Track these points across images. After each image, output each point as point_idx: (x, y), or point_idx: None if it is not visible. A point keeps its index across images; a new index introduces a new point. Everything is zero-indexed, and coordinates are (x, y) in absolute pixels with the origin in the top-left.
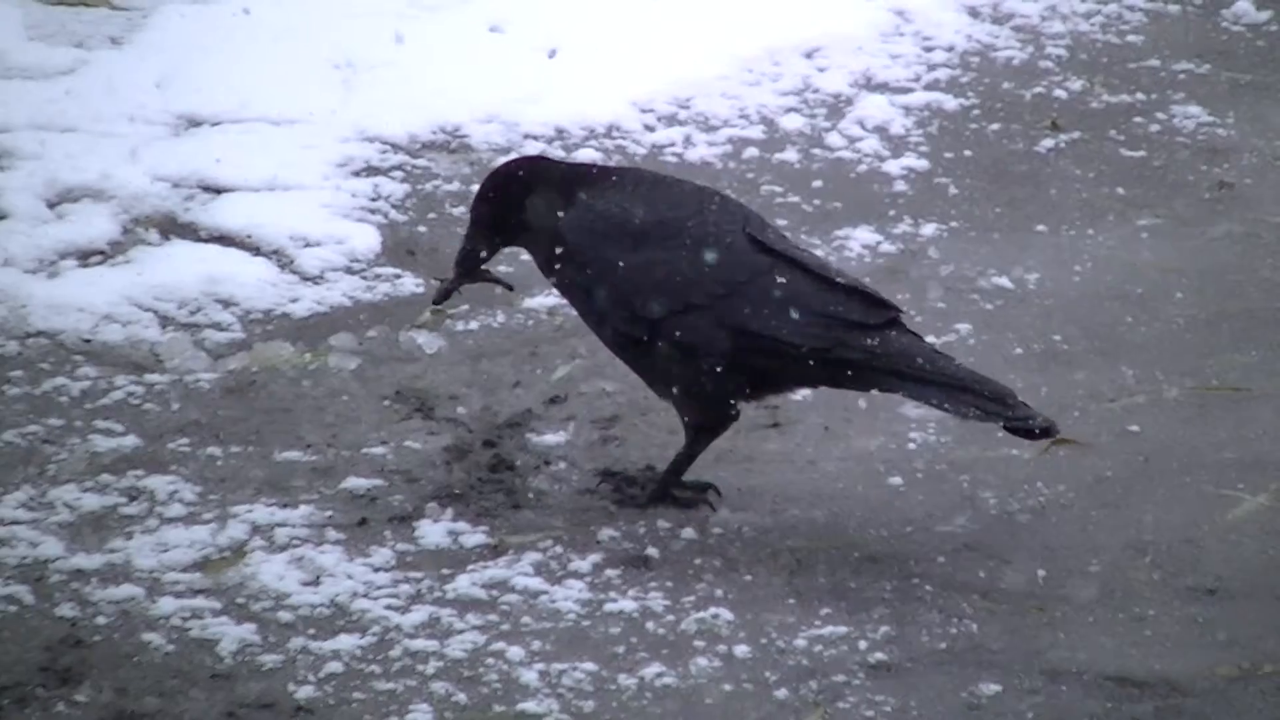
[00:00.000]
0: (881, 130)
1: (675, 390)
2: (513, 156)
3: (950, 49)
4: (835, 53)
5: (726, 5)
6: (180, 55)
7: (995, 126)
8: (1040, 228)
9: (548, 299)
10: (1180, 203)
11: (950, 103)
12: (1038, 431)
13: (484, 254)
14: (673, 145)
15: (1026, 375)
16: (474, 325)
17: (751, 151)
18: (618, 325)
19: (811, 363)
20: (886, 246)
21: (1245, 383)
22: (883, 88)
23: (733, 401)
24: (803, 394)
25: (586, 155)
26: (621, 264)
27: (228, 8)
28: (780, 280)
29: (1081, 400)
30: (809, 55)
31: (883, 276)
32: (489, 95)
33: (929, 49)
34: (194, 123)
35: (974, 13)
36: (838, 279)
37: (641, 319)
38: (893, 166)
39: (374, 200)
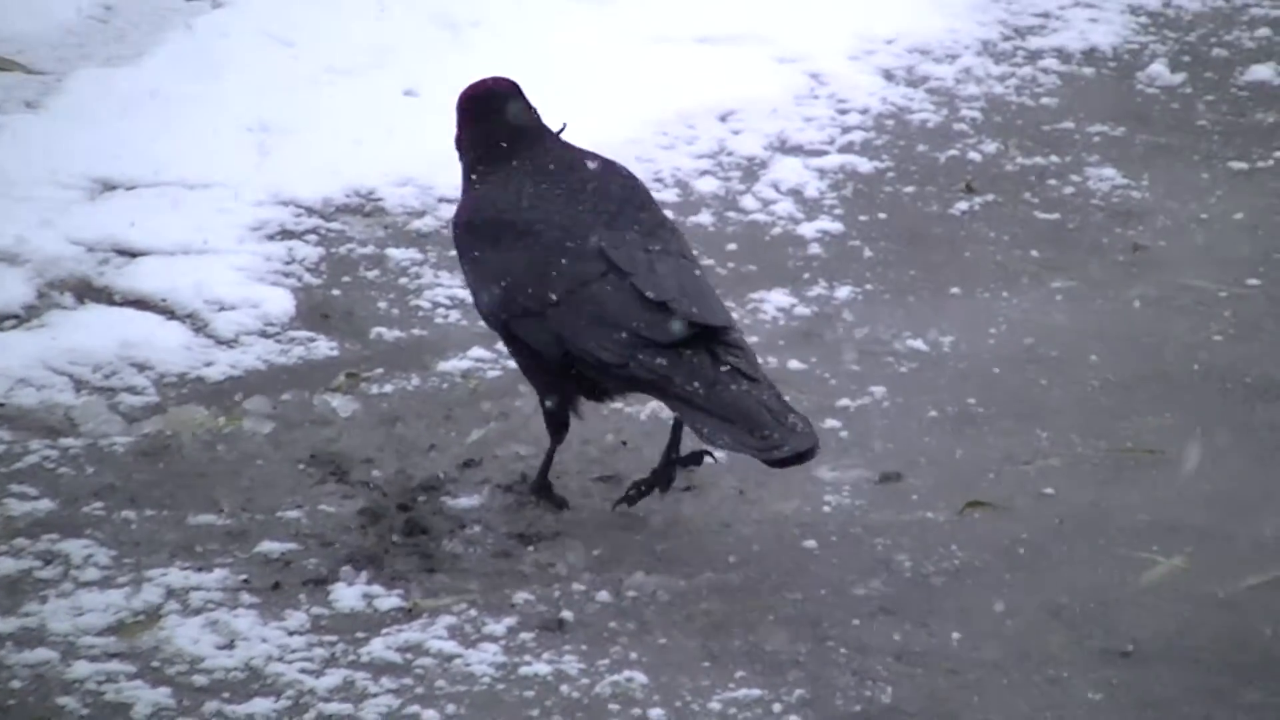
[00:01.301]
0: (796, 193)
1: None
2: (481, 81)
3: (865, 111)
4: (750, 115)
5: (639, 67)
6: (95, 119)
7: (910, 189)
8: (955, 290)
9: (461, 362)
10: (1095, 265)
11: (865, 165)
12: (786, 459)
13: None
14: None
15: (941, 439)
16: (388, 389)
17: (665, 214)
18: (482, 315)
19: (615, 377)
20: (801, 309)
21: (1160, 445)
22: (797, 150)
23: (571, 405)
24: (719, 456)
25: None
26: (480, 260)
27: (142, 72)
28: (598, 292)
29: (996, 463)
30: (723, 118)
31: (797, 340)
32: (403, 159)
33: (843, 111)
34: (109, 186)
35: (888, 75)
36: (648, 293)
37: (492, 315)
38: (807, 229)
39: (288, 264)
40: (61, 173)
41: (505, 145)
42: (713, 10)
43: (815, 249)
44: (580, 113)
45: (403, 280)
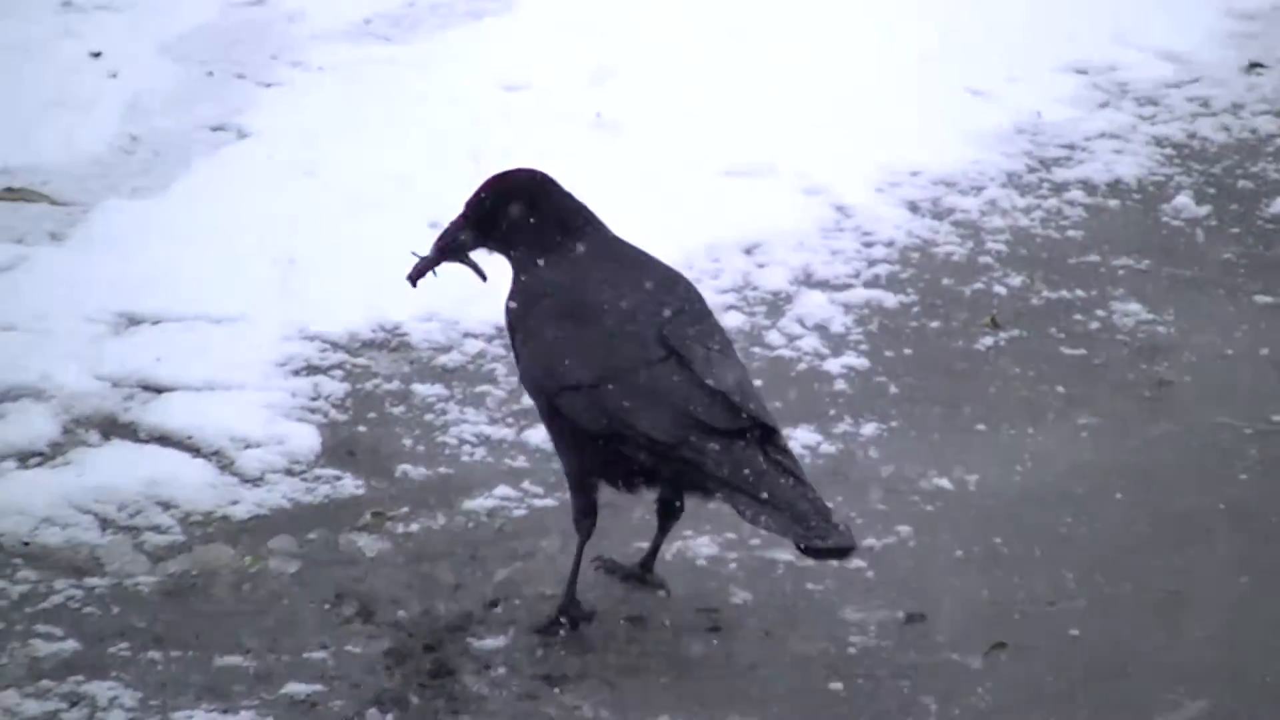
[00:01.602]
0: (821, 328)
1: (562, 466)
2: (519, 168)
3: (890, 244)
4: (775, 248)
5: (663, 199)
6: (120, 252)
7: (935, 324)
8: (980, 427)
9: (487, 501)
10: (1120, 401)
11: (890, 300)
12: (828, 550)
13: (468, 244)
14: None
15: (967, 578)
16: (414, 527)
17: None
18: (530, 390)
19: (663, 457)
20: (826, 447)
21: (1185, 585)
22: (823, 284)
23: (596, 491)
24: (741, 597)
25: None
26: (536, 334)
27: (168, 204)
28: (658, 373)
29: (1022, 604)
30: (749, 251)
31: (823, 477)
32: (428, 293)
33: (869, 244)
34: (134, 321)
35: (914, 208)
36: (708, 381)
37: (540, 389)
38: (833, 365)
39: (314, 400)
40: (86, 306)
41: (563, 230)
42: (738, 142)
43: (841, 385)
44: None
45: (428, 417)
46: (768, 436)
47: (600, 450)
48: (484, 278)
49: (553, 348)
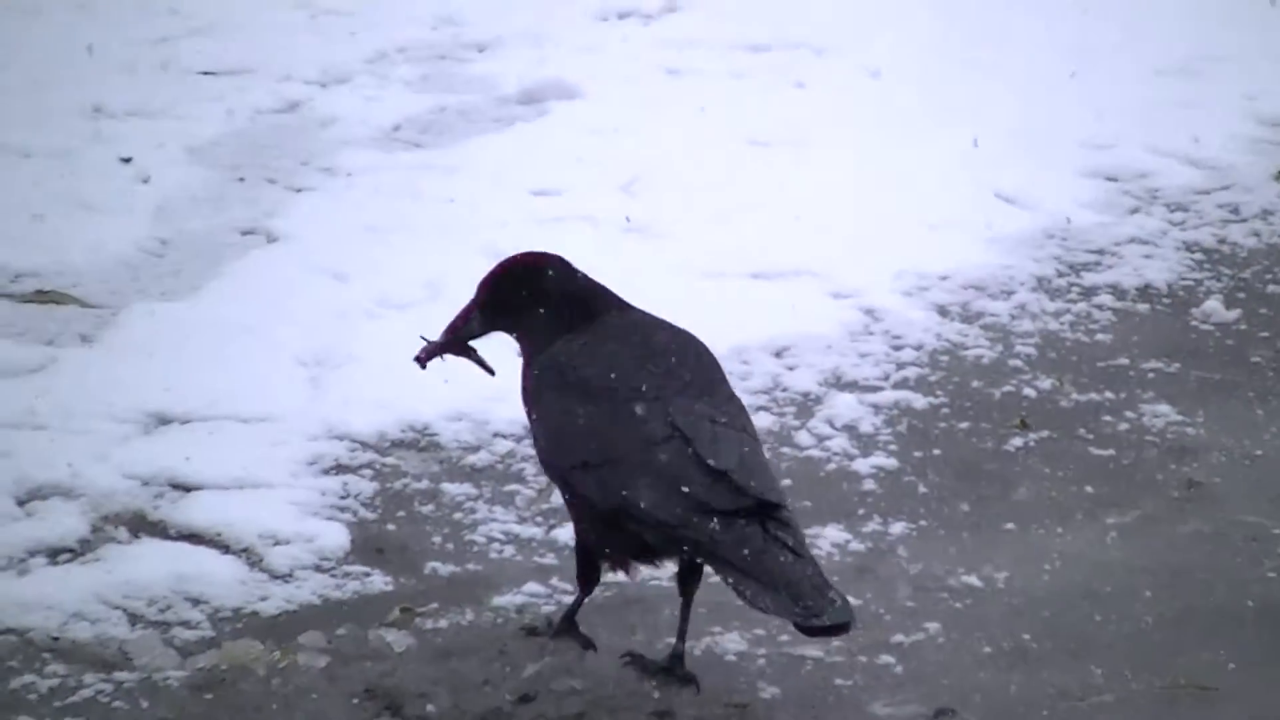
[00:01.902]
0: (851, 429)
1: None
2: (532, 251)
3: (919, 347)
4: (804, 351)
5: (692, 302)
6: (150, 353)
7: (964, 425)
8: (1009, 526)
9: (515, 598)
10: (1149, 501)
11: (919, 401)
12: (825, 628)
13: (477, 329)
14: None
15: (995, 674)
16: (443, 624)
17: None
18: (544, 468)
19: (668, 537)
20: (856, 545)
21: (1213, 681)
22: (852, 386)
23: (603, 562)
24: (769, 692)
25: None
26: (548, 411)
27: (197, 306)
28: (661, 455)
29: (1050, 699)
30: (778, 354)
31: (852, 576)
32: (457, 393)
33: (898, 347)
34: (164, 420)
35: (943, 311)
36: (710, 461)
37: (552, 465)
38: (862, 465)
39: (343, 498)
40: (116, 406)
41: (575, 310)
42: (766, 246)
43: (870, 485)
44: None
45: (457, 515)
46: (771, 512)
47: (611, 527)
48: (491, 373)
49: (562, 426)
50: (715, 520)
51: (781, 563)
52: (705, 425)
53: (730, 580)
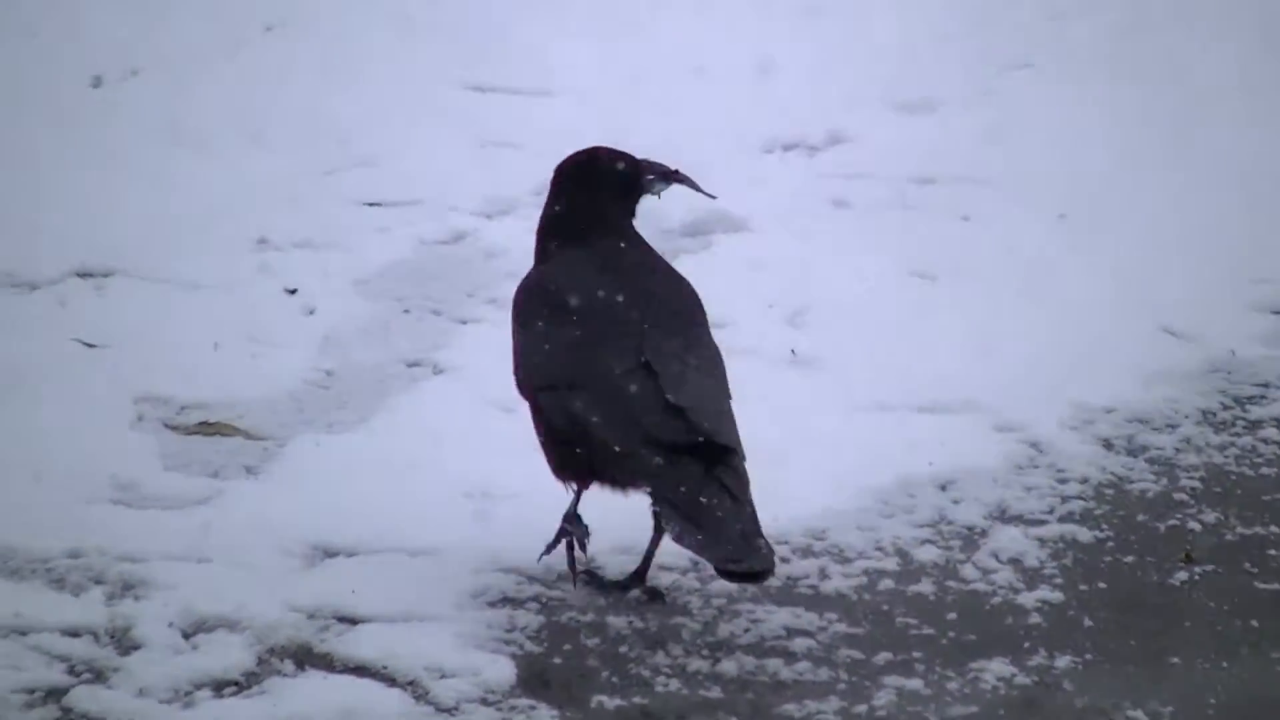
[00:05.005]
0: (1016, 562)
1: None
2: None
3: (1084, 481)
4: (969, 485)
5: (857, 435)
6: (315, 485)
7: (1129, 558)
8: (1174, 660)
9: None
10: None
11: (1084, 535)
12: (742, 574)
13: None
14: (807, 578)
15: None
16: None
17: (887, 583)
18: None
19: (618, 466)
20: (1021, 679)
21: None
22: (1017, 519)
23: (566, 482)
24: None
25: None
26: (527, 330)
27: (363, 438)
28: (622, 384)
29: None
30: (943, 487)
31: (1018, 709)
32: (621, 526)
33: (1063, 481)
34: (329, 553)
35: (1108, 445)
36: (669, 396)
37: (524, 384)
38: (1027, 599)
39: (509, 631)
40: (282, 539)
41: (583, 226)
42: (930, 379)
43: (1035, 618)
44: (807, 483)
45: (622, 648)
46: (721, 455)
47: (569, 448)
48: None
49: (537, 344)
50: (661, 454)
51: (714, 504)
52: (674, 363)
53: (661, 514)
